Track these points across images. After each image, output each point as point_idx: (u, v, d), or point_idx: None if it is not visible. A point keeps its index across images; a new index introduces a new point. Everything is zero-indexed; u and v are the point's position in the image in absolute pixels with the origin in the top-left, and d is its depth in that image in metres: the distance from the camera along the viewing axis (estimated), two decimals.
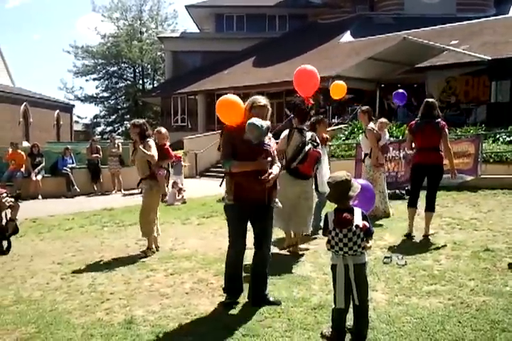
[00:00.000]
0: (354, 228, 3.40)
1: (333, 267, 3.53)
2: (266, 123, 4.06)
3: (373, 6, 32.20)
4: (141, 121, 6.60)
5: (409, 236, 6.51)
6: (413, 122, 6.64)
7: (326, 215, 3.56)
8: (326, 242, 3.53)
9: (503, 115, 13.49)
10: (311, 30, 30.26)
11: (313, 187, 6.21)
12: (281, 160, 5.41)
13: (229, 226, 4.42)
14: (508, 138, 11.88)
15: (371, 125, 8.02)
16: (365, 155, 8.18)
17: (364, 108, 8.23)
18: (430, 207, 6.43)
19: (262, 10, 32.87)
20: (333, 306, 3.55)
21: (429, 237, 6.34)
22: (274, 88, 24.50)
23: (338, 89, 9.59)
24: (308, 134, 5.91)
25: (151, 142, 6.46)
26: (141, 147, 6.28)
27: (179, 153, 20.78)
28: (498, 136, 12.27)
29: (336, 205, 3.58)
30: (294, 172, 5.81)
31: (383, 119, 8.84)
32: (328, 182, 3.55)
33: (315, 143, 5.86)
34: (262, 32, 32.53)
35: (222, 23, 33.88)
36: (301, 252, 6.03)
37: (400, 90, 11.94)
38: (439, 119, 6.39)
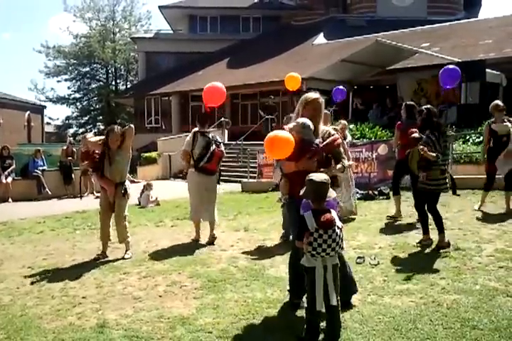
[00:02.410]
0: (336, 228, 3.42)
1: (310, 269, 3.49)
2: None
3: (346, 8, 32.50)
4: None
5: (392, 218, 7.40)
6: (400, 122, 7.48)
7: (303, 218, 3.47)
8: (307, 244, 3.43)
9: (473, 116, 13.72)
10: (284, 32, 30.39)
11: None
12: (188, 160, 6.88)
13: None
14: (477, 139, 12.09)
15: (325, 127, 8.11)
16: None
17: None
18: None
19: (236, 11, 32.86)
20: (306, 307, 3.56)
21: (401, 236, 6.43)
22: (248, 89, 24.56)
23: (292, 81, 9.77)
24: (211, 135, 6.99)
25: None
26: None
27: (153, 154, 20.71)
28: (468, 136, 12.49)
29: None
30: (202, 170, 6.85)
31: (344, 121, 8.94)
32: (312, 180, 3.51)
33: (218, 143, 6.97)
34: (235, 33, 32.52)
35: (196, 24, 33.76)
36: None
37: (340, 87, 12.62)
38: None
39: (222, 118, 21.51)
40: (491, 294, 4.18)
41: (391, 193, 9.42)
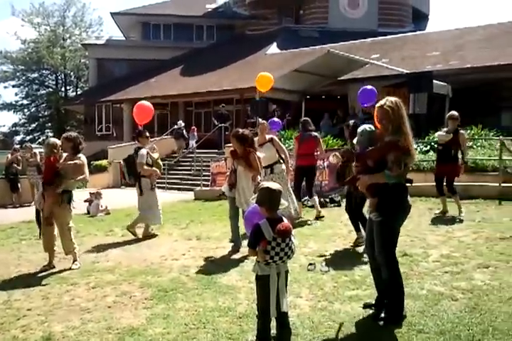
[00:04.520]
0: (292, 236, 3.46)
1: (263, 278, 3.47)
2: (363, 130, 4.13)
3: (299, 18, 32.97)
4: (74, 134, 6.34)
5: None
6: (298, 135, 8.69)
7: (259, 226, 3.42)
8: (264, 253, 3.39)
9: (421, 126, 14.12)
10: (238, 41, 30.56)
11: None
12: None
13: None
14: (425, 148, 12.45)
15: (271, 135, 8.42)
16: (272, 164, 7.99)
17: (262, 121, 8.85)
18: (310, 194, 8.66)
19: (190, 20, 32.83)
20: (257, 315, 3.56)
21: (351, 243, 6.52)
22: (202, 97, 24.54)
23: (264, 81, 9.92)
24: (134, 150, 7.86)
25: (84, 158, 6.22)
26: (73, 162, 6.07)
27: (104, 162, 20.33)
28: (415, 146, 12.82)
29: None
30: None
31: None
32: (268, 188, 3.49)
33: (133, 156, 7.76)
34: (189, 41, 32.47)
35: (149, 31, 33.51)
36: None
37: (276, 119, 13.10)
38: (315, 133, 8.69)
39: (175, 126, 21.38)
40: (437, 298, 4.30)
41: (342, 201, 9.61)
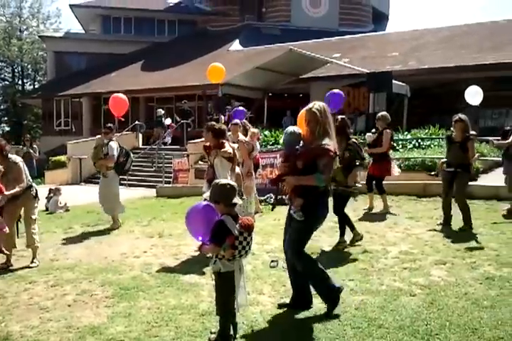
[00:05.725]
0: None
1: (228, 274, 3.46)
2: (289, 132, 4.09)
3: (261, 16, 33.03)
4: None
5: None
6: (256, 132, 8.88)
7: (222, 222, 3.40)
8: (231, 249, 3.38)
9: None
10: (200, 36, 30.38)
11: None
12: None
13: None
14: None
15: (242, 137, 8.20)
16: None
17: (235, 121, 8.49)
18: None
19: (151, 14, 32.45)
20: (219, 313, 3.56)
21: (313, 239, 6.60)
22: (163, 93, 24.31)
23: (216, 72, 9.89)
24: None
25: (19, 161, 5.96)
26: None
27: (62, 158, 19.90)
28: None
29: None
30: None
31: (255, 130, 9.08)
32: (227, 184, 3.52)
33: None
34: (150, 36, 32.09)
35: (109, 24, 32.95)
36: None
37: (241, 108, 12.99)
38: None
39: (137, 122, 21.13)
40: (396, 294, 4.40)
41: None
